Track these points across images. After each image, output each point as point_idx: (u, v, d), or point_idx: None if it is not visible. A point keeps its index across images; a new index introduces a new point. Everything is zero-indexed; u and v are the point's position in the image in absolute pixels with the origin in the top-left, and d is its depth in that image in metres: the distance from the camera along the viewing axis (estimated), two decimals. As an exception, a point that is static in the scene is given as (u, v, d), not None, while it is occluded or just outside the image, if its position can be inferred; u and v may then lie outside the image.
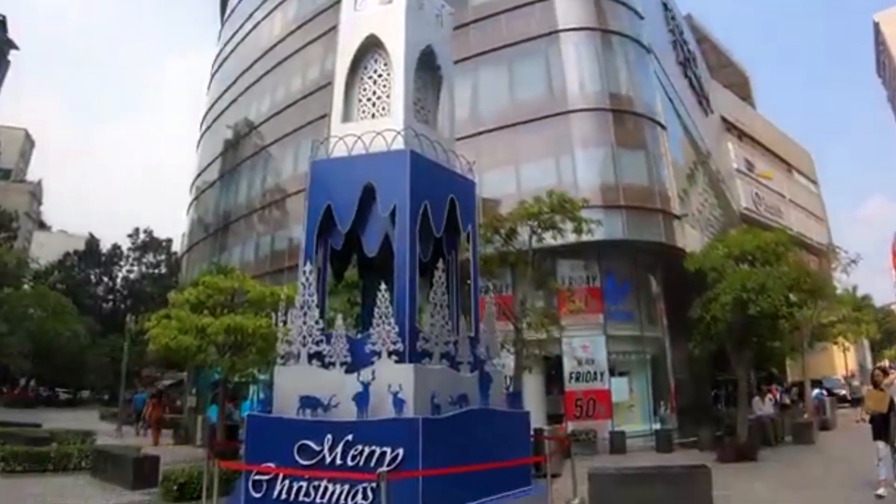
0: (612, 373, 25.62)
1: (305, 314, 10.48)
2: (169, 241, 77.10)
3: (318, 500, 9.29)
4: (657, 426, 24.66)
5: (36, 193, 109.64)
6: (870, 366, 51.25)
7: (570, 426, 22.49)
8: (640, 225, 26.67)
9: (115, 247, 75.46)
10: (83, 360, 53.86)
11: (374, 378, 9.68)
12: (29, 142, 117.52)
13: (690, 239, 29.45)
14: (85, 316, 56.55)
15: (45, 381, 57.77)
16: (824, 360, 46.72)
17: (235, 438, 19.48)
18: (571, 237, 20.49)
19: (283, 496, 9.44)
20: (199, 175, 51.13)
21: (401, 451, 9.13)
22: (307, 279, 10.67)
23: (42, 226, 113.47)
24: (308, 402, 9.86)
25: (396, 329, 10.08)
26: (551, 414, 24.38)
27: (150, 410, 28.22)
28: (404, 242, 10.74)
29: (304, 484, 9.37)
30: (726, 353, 20.96)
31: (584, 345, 25.35)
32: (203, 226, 48.41)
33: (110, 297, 75.72)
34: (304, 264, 11.05)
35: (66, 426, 23.61)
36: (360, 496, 9.11)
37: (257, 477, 9.60)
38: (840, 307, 27.20)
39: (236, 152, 44.80)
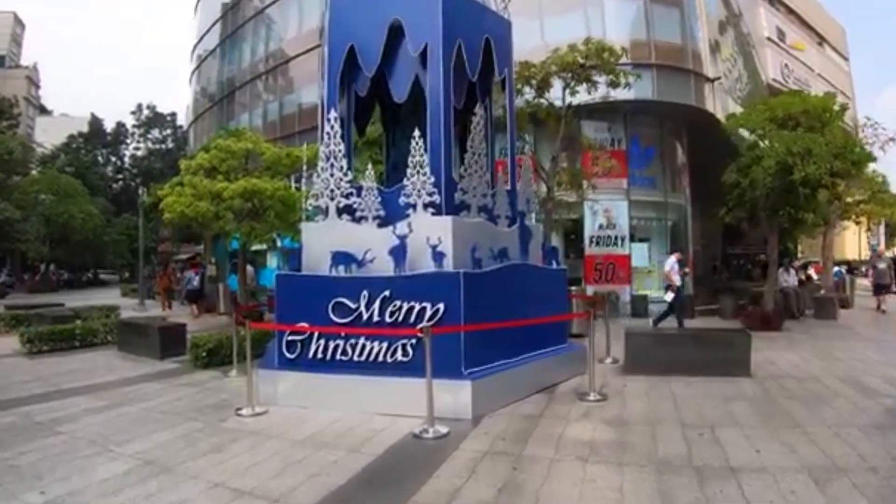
0: (632, 238, 25.15)
1: (332, 165, 9.73)
2: (173, 114, 76.83)
3: (355, 358, 8.92)
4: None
5: (33, 78, 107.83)
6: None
7: (590, 290, 22.09)
8: (671, 86, 25.24)
9: (120, 125, 75.22)
10: (99, 240, 54.11)
11: (411, 231, 9.08)
12: (19, 25, 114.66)
13: (720, 104, 28.18)
14: (96, 197, 56.53)
15: (63, 265, 58.02)
16: (838, 241, 46.25)
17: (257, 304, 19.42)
18: (600, 94, 19.40)
19: (319, 355, 9.05)
20: (198, 42, 49.25)
21: (441, 306, 8.62)
22: (332, 127, 9.82)
23: (43, 111, 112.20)
24: (341, 258, 9.32)
25: (432, 179, 9.39)
26: (570, 277, 23.97)
27: (159, 280, 29.18)
28: (438, 85, 9.78)
29: (341, 342, 8.97)
30: (738, 227, 20.30)
31: (607, 209, 24.62)
32: (208, 95, 47.07)
33: (119, 176, 75.99)
34: (328, 111, 10.17)
35: (87, 304, 23.39)
36: (399, 353, 8.74)
37: (291, 337, 9.17)
38: (869, 186, 26.25)
39: (236, 14, 42.85)
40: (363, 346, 8.89)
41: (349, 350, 8.94)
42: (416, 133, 9.44)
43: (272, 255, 30.66)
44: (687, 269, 23.84)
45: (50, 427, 7.98)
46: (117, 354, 14.17)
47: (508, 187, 11.05)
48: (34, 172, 54.25)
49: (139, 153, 76.36)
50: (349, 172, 9.78)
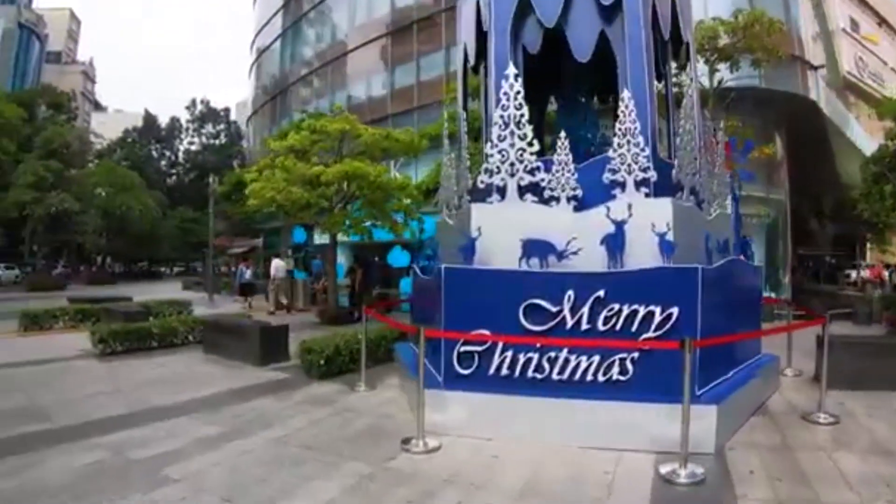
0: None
1: (512, 134, 7.43)
2: (227, 109, 76.56)
3: (553, 375, 6.67)
4: (772, 293, 21.96)
5: (89, 73, 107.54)
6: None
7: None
8: (775, 73, 22.77)
9: (174, 120, 74.92)
10: (155, 233, 52.85)
11: (630, 215, 6.80)
12: (75, 21, 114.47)
13: (824, 94, 25.63)
14: (152, 190, 55.22)
15: (119, 257, 56.75)
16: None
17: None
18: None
19: (504, 371, 6.78)
20: (257, 34, 47.38)
21: (675, 310, 6.40)
22: (511, 86, 7.52)
23: (98, 106, 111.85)
24: (536, 248, 7.05)
25: (647, 151, 7.16)
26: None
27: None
28: (640, 41, 7.73)
29: (535, 356, 6.69)
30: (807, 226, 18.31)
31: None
32: (268, 87, 45.16)
33: (173, 170, 75.54)
34: (501, 67, 7.89)
35: (156, 297, 21.37)
36: (615, 370, 6.54)
37: (466, 348, 6.87)
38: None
39: (298, 6, 40.78)
40: (565, 361, 6.65)
41: (546, 365, 6.68)
42: (626, 93, 7.18)
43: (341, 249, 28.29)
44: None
45: (154, 470, 5.74)
46: (204, 358, 11.95)
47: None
48: (90, 166, 52.92)
49: (193, 148, 75.34)
50: (534, 142, 7.45)
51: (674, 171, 7.43)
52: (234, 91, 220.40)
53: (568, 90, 9.64)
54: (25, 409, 7.86)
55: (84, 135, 51.82)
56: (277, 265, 23.04)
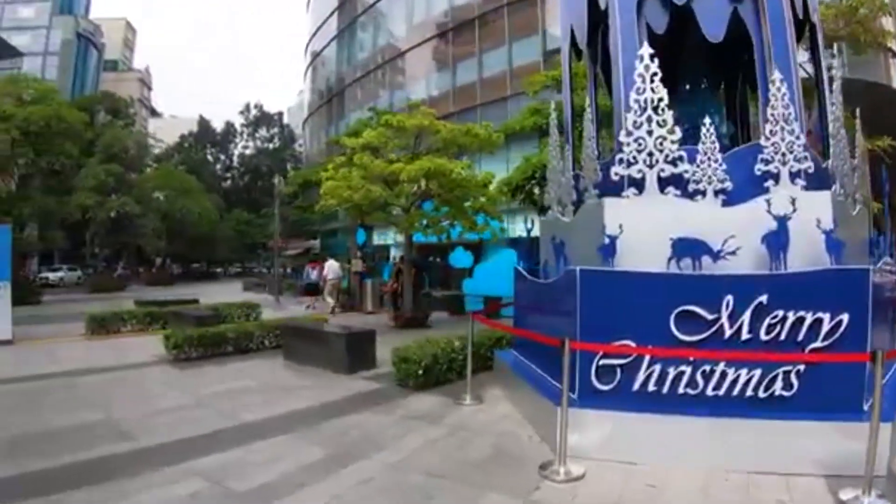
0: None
1: (650, 120, 6.57)
2: (280, 114, 77.58)
3: (708, 391, 5.83)
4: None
5: (145, 80, 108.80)
6: None
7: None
8: (857, 60, 21.37)
9: (229, 124, 76.05)
10: (213, 235, 53.13)
11: (794, 210, 5.92)
12: (130, 30, 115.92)
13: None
14: (209, 193, 55.70)
15: (177, 259, 57.14)
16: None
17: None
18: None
19: (651, 387, 5.95)
20: (312, 37, 47.04)
21: (844, 317, 5.52)
22: (647, 67, 6.66)
23: (154, 113, 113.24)
24: (690, 247, 6.19)
25: (802, 139, 6.31)
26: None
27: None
28: (781, 18, 6.97)
29: (687, 369, 5.85)
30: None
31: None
32: (324, 89, 44.75)
33: (227, 174, 76.14)
34: (633, 48, 7.07)
35: (217, 300, 20.91)
36: (778, 384, 5.67)
37: (606, 361, 6.06)
38: None
39: (353, 6, 40.25)
40: (722, 375, 5.79)
41: (699, 380, 5.84)
42: (776, 75, 6.36)
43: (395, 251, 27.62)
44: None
45: (261, 504, 5.05)
46: (284, 365, 11.31)
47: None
48: (147, 170, 53.29)
49: (247, 152, 76.19)
50: (676, 130, 6.60)
51: (829, 162, 6.55)
52: (285, 95, 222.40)
53: (687, 76, 8.77)
54: (102, 424, 7.25)
55: (142, 139, 52.15)
56: (331, 266, 22.74)
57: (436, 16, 31.01)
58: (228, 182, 74.72)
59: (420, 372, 8.99)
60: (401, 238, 29.17)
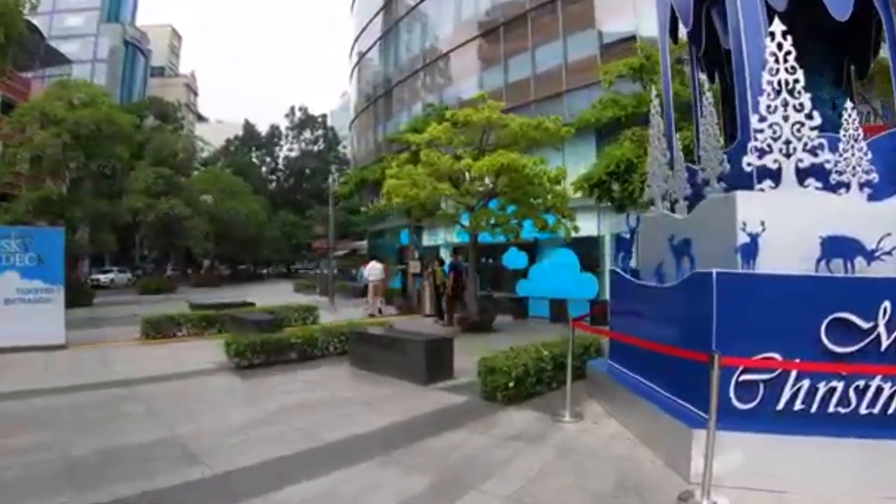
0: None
1: (786, 104, 5.72)
2: (324, 116, 77.39)
3: (861, 409, 5.02)
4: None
5: (191, 86, 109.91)
6: None
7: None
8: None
9: (274, 127, 76.17)
10: (259, 236, 52.81)
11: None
12: (176, 37, 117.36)
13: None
14: (256, 195, 55.52)
15: (223, 260, 57.14)
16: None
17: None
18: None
19: (798, 406, 5.14)
20: (357, 38, 46.43)
21: None
22: (779, 47, 5.83)
23: (200, 118, 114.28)
24: (842, 247, 5.36)
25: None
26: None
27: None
28: None
29: (839, 385, 5.05)
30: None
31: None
32: (371, 89, 44.03)
33: (272, 176, 76.09)
34: (757, 24, 6.24)
35: (269, 301, 20.36)
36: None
37: (747, 377, 5.23)
38: None
39: (397, 6, 39.59)
40: (877, 391, 4.99)
41: (852, 398, 5.04)
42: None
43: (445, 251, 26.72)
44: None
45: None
46: (354, 374, 10.61)
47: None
48: (195, 173, 53.40)
49: (292, 154, 76.36)
50: (814, 114, 5.73)
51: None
52: (327, 98, 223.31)
53: (804, 59, 7.88)
54: (168, 444, 6.56)
55: (190, 143, 52.21)
56: (373, 267, 22.39)
57: (485, 11, 30.18)
58: (274, 184, 74.84)
59: (510, 385, 8.20)
60: (452, 238, 28.45)
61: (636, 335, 7.12)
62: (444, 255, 22.17)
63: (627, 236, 8.84)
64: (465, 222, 15.71)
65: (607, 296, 20.05)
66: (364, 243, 44.14)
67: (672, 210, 7.58)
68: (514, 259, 22.99)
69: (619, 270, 8.48)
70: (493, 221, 14.79)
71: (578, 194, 15.31)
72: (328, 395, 8.88)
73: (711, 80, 8.51)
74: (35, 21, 43.31)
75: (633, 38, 20.90)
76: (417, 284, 23.31)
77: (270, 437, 6.79)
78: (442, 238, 29.12)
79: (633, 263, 8.92)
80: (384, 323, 13.95)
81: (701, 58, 8.54)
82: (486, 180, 14.43)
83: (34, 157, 30.31)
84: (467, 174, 13.78)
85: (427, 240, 31.67)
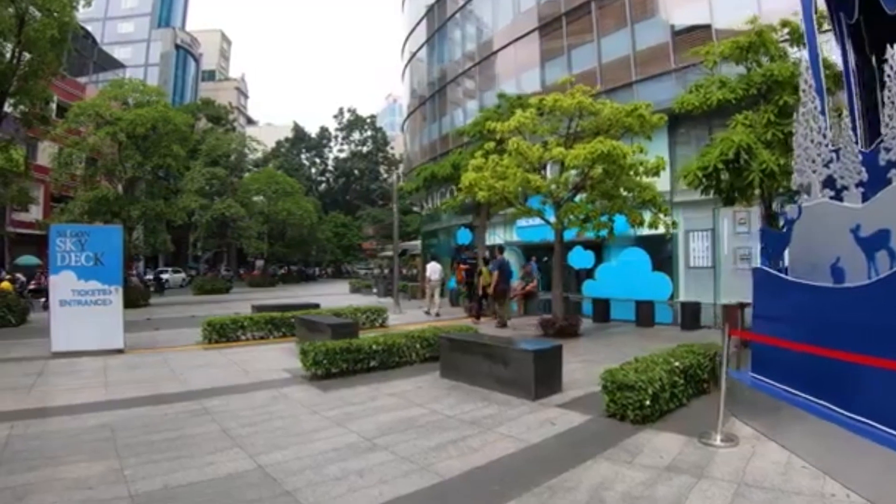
0: None
1: None
2: (372, 117, 77.09)
3: None
4: None
5: (241, 89, 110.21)
6: None
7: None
8: None
9: (324, 129, 76.53)
10: (311, 237, 52.25)
11: None
12: (226, 41, 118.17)
13: None
14: (308, 196, 55.01)
15: (275, 260, 56.63)
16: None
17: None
18: None
19: None
20: (408, 36, 45.26)
21: None
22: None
23: (250, 121, 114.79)
24: None
25: None
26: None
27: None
28: None
29: None
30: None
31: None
32: (424, 87, 42.84)
33: (321, 178, 75.61)
34: None
35: (330, 302, 19.21)
36: None
37: None
38: None
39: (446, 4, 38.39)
40: None
41: None
42: None
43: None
44: None
45: None
46: (449, 385, 9.25)
47: None
48: (246, 175, 53.01)
49: (342, 155, 76.00)
50: None
51: None
52: (373, 99, 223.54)
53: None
54: (254, 479, 5.34)
55: (245, 143, 51.87)
56: (433, 268, 21.64)
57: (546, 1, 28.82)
58: (323, 185, 74.75)
59: (647, 402, 6.86)
60: (512, 237, 27.06)
61: (803, 342, 5.77)
62: (510, 256, 21.02)
63: (783, 229, 7.37)
64: (551, 217, 14.31)
65: (683, 296, 19.03)
66: (417, 243, 43.07)
67: (837, 198, 6.19)
68: (579, 258, 21.48)
69: (767, 269, 7.10)
70: (582, 216, 13.34)
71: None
72: (427, 414, 7.59)
73: (860, 52, 7.12)
74: (88, 27, 43.35)
75: (706, 26, 19.55)
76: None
77: (377, 470, 5.54)
78: (501, 237, 27.76)
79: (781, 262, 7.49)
80: (470, 329, 12.51)
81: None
82: (573, 172, 13.07)
83: (89, 159, 29.95)
84: (559, 164, 12.39)
85: (488, 239, 30.37)
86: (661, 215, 13.53)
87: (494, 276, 17.41)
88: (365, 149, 74.86)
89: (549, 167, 15.06)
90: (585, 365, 10.10)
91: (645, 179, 13.82)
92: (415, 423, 7.12)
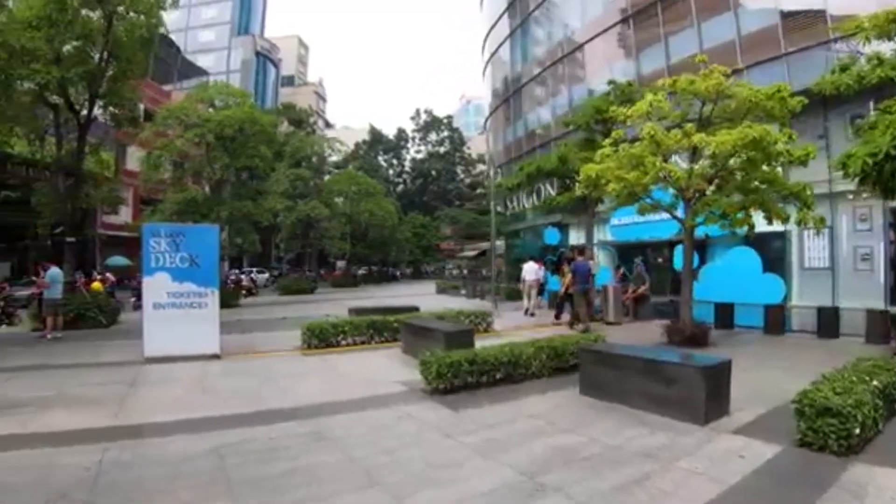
0: None
1: None
2: (449, 117, 77.09)
3: None
4: None
5: (320, 93, 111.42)
6: None
7: None
8: None
9: (401, 130, 76.62)
10: (391, 237, 51.85)
11: None
12: (303, 47, 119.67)
13: None
14: (387, 197, 54.55)
15: (356, 260, 56.31)
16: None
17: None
18: None
19: None
20: (489, 32, 44.06)
21: None
22: None
23: (328, 125, 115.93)
24: None
25: None
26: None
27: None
28: None
29: None
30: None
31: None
32: (507, 84, 41.64)
33: (399, 179, 75.65)
34: None
35: (421, 304, 18.15)
36: None
37: None
38: None
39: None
40: None
41: None
42: None
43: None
44: None
45: None
46: (593, 406, 7.93)
47: None
48: (327, 177, 52.88)
49: (419, 156, 75.93)
50: None
51: None
52: (445, 100, 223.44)
53: None
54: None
55: (328, 145, 51.79)
56: (529, 268, 20.95)
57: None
58: (401, 186, 74.48)
59: (857, 431, 5.58)
60: (605, 237, 25.54)
61: None
62: (599, 255, 19.85)
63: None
64: (681, 213, 12.90)
65: (797, 300, 17.22)
66: (500, 243, 42.01)
67: None
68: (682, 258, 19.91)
69: None
70: (719, 212, 11.86)
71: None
72: (586, 443, 6.36)
73: None
74: (172, 37, 43.95)
75: (820, 11, 17.77)
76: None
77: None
78: (596, 236, 26.27)
79: None
80: (599, 337, 11.16)
81: None
82: (706, 162, 11.68)
83: (176, 161, 30.10)
84: (688, 153, 11.03)
85: (573, 239, 28.97)
86: (808, 211, 11.91)
87: (568, 277, 16.78)
88: (442, 149, 74.35)
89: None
90: (736, 380, 8.79)
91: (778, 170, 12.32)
92: (577, 455, 5.96)
